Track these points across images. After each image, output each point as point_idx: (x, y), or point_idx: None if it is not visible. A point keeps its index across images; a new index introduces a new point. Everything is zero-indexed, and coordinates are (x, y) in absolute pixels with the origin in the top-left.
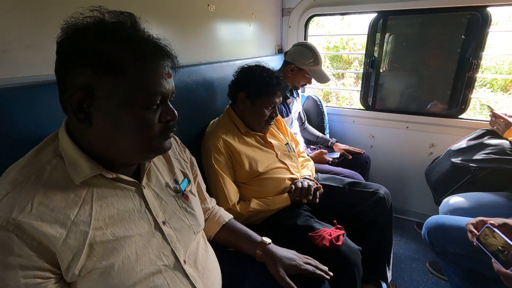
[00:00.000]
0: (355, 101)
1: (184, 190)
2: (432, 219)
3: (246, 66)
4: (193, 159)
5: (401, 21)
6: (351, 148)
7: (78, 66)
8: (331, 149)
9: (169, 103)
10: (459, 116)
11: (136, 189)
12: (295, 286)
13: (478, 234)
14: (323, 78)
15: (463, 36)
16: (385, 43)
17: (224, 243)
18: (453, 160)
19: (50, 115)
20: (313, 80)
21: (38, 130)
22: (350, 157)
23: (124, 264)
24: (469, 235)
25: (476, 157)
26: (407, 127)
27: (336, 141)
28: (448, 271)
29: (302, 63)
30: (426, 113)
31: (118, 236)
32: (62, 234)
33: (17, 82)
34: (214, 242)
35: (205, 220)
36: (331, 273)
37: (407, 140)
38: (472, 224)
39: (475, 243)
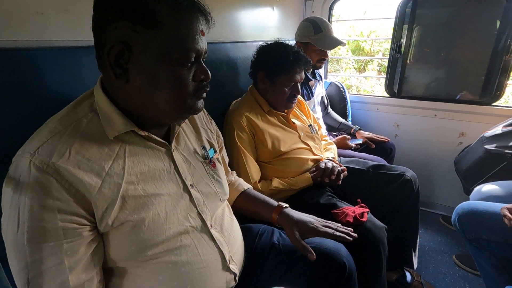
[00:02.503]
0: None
1: (212, 157)
2: (464, 205)
3: (264, 44)
4: (219, 131)
5: (433, 2)
6: (374, 136)
7: (115, 20)
8: (353, 137)
9: (202, 62)
10: (493, 104)
11: (166, 151)
12: (309, 248)
13: None
14: (329, 44)
15: (500, 17)
16: (414, 27)
17: (243, 211)
18: (487, 147)
19: (82, 78)
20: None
21: (69, 91)
22: (373, 146)
23: (154, 221)
24: (505, 220)
25: None
26: (435, 115)
27: (360, 129)
28: (480, 260)
29: (303, 36)
30: (457, 100)
31: (149, 193)
32: (97, 183)
33: (51, 44)
34: (234, 209)
35: None
36: (355, 235)
37: (435, 129)
38: (508, 208)
39: None
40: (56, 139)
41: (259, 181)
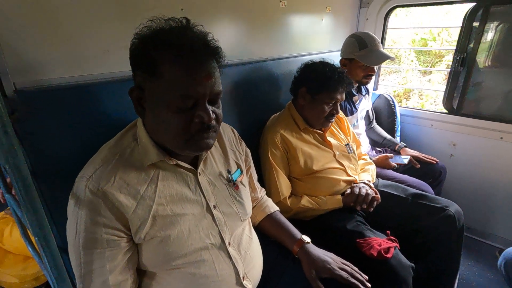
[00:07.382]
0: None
1: (235, 180)
2: None
3: (309, 62)
4: (248, 151)
5: (508, 10)
6: (421, 156)
7: (135, 69)
8: (397, 154)
9: (206, 105)
10: None
11: (193, 175)
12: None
13: None
14: (374, 59)
15: None
16: (483, 38)
17: (266, 232)
18: None
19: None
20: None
21: (126, 115)
22: (418, 165)
23: (179, 237)
24: None
25: None
26: (501, 138)
27: (405, 146)
28: None
29: (348, 53)
30: None
31: (175, 213)
32: (133, 205)
33: (115, 76)
34: (258, 229)
35: (253, 208)
36: (368, 285)
37: (499, 153)
38: None
39: None
40: (105, 167)
41: (289, 197)
